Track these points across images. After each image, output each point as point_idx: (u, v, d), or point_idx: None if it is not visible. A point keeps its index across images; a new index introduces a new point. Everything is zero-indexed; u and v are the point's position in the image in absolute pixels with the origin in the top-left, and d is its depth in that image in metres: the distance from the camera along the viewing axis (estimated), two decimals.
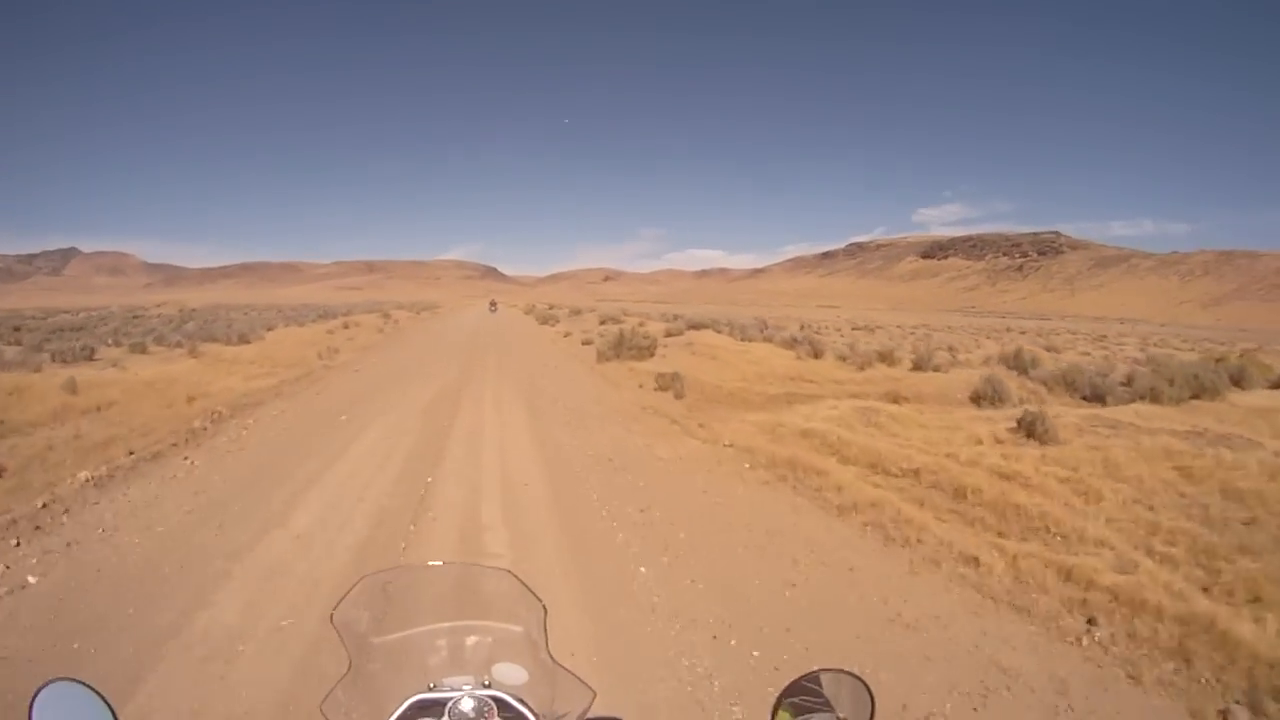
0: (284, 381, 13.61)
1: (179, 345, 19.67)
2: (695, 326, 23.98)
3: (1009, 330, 58.11)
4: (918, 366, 17.19)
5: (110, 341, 21.01)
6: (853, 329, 40.96)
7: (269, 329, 26.96)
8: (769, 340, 22.99)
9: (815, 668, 1.15)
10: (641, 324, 25.42)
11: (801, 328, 34.16)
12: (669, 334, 22.48)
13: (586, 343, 23.18)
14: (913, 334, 38.71)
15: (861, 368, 16.72)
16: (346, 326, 29.59)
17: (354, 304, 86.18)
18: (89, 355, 16.80)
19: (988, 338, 39.65)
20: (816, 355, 18.79)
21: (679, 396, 13.30)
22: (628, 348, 18.00)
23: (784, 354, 19.23)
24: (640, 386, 14.24)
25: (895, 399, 13.99)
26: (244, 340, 21.27)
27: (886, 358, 18.32)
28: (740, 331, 23.90)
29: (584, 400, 12.14)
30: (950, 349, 24.47)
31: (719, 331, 24.28)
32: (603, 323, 30.18)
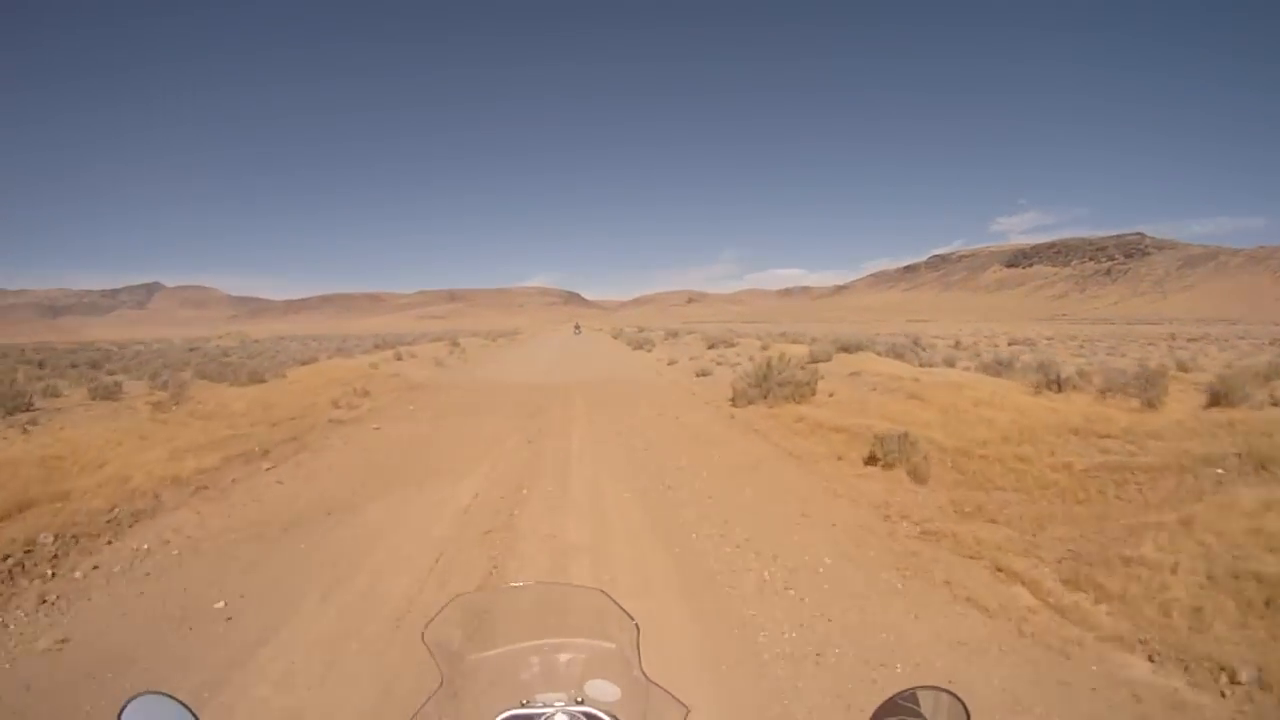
0: (239, 456, 8.20)
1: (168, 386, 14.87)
2: (846, 348, 17.44)
3: (1172, 337, 47.88)
4: (1221, 399, 10.26)
5: (92, 381, 16.52)
6: (1010, 344, 33.19)
7: (305, 362, 22.22)
8: (950, 364, 16.33)
9: (912, 686, 1.07)
10: (766, 347, 19.14)
11: (957, 345, 27.13)
12: (813, 359, 16.14)
13: (702, 374, 17.09)
14: (1081, 347, 30.67)
15: (1150, 405, 9.96)
16: (399, 358, 24.55)
17: (429, 332, 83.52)
18: (26, 404, 11.95)
19: (1166, 349, 30.99)
20: (1057, 387, 12.07)
21: (920, 480, 7.10)
22: (777, 384, 11.82)
23: (1008, 386, 12.59)
24: (839, 458, 8.07)
25: None
26: (256, 379, 16.33)
27: (1156, 385, 11.41)
28: (913, 355, 17.27)
29: (775, 510, 6.03)
30: (1181, 367, 17.13)
31: (877, 354, 17.71)
32: (711, 346, 23.91)
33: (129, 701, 0.96)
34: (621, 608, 1.22)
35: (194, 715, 0.97)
